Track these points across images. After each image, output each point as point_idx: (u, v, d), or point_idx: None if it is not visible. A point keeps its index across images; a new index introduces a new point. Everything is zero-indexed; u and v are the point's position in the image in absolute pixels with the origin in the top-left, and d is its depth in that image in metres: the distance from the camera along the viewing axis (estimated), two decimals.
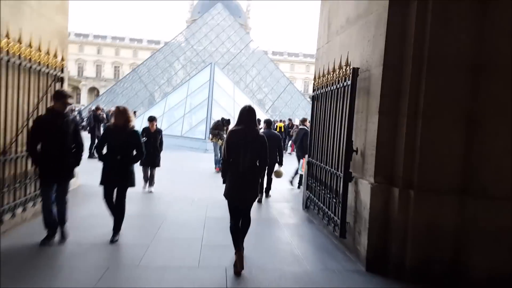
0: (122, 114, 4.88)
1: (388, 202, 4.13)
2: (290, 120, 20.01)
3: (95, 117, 13.47)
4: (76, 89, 76.19)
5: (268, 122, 8.18)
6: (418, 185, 3.94)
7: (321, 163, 5.60)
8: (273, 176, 7.79)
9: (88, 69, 77.22)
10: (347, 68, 4.61)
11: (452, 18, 3.80)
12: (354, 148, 4.56)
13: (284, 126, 18.86)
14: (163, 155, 8.46)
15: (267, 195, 8.06)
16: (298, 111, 42.34)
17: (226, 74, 24.63)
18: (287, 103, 44.54)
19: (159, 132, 8.32)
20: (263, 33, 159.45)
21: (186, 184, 9.29)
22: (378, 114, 4.10)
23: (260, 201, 7.57)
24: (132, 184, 4.95)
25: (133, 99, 42.26)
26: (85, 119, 21.34)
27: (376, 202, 4.17)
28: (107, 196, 4.90)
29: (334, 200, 4.95)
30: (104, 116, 13.64)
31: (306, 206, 6.67)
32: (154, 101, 32.54)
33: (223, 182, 4.15)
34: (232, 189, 3.97)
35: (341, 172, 4.70)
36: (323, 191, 5.47)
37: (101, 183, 4.88)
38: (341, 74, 4.77)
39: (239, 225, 4.12)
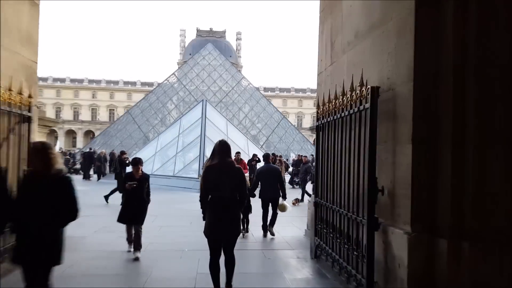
0: (40, 153, 3.13)
1: (432, 257, 3.14)
2: (300, 156, 18.87)
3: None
4: (72, 132, 76.20)
5: (266, 156, 7.96)
6: (473, 234, 2.97)
7: (333, 204, 4.63)
8: (278, 211, 7.55)
9: (84, 113, 77.51)
10: (363, 89, 3.74)
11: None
12: (380, 187, 3.61)
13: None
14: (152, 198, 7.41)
15: (271, 231, 7.49)
16: (293, 146, 41.86)
17: (219, 111, 23.98)
18: (281, 138, 44.11)
19: (146, 178, 6.38)
20: (254, 71, 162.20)
21: (176, 231, 8.18)
22: (412, 143, 3.18)
23: (243, 236, 7.25)
24: (58, 262, 3.16)
25: (127, 140, 41.62)
26: (77, 162, 20.41)
27: (416, 257, 3.17)
28: (28, 282, 3.10)
29: (355, 252, 3.93)
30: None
31: (315, 256, 5.60)
32: (148, 142, 31.77)
33: (203, 219, 4.01)
34: (213, 225, 3.86)
35: (362, 217, 3.73)
36: (338, 240, 4.46)
37: (14, 261, 3.14)
38: (355, 96, 3.91)
39: (218, 263, 3.98)
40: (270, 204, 7.45)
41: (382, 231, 3.64)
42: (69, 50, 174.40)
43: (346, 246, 4.17)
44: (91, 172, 19.01)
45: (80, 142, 72.21)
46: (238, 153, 11.31)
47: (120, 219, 6.24)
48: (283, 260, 6.06)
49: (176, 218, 9.63)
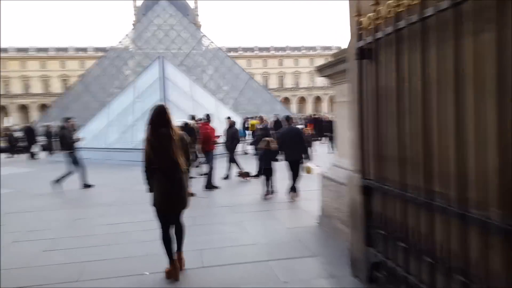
0: None
1: None
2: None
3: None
4: (25, 108, 70.34)
5: (288, 118, 7.85)
6: None
7: (422, 193, 2.48)
8: (303, 173, 7.11)
9: (35, 85, 71.52)
10: None
11: None
12: None
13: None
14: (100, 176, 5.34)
15: (294, 194, 7.00)
16: (263, 107, 39.91)
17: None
18: (250, 99, 41.90)
19: None
20: (214, 31, 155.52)
21: (135, 236, 5.19)
22: None
23: (265, 198, 7.11)
24: None
25: (83, 112, 38.11)
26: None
27: None
28: None
29: None
30: None
31: (371, 279, 3.18)
32: None
33: (149, 191, 3.70)
34: (161, 196, 3.62)
35: None
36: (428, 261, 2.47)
37: None
38: None
39: (170, 233, 3.76)
40: (293, 166, 7.03)
41: None
42: (13, 17, 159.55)
43: (461, 276, 2.18)
44: (37, 149, 16.21)
45: (35, 117, 66.95)
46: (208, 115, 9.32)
47: None
48: (304, 280, 3.59)
49: (135, 212, 7.12)
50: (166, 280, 3.64)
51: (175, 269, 3.67)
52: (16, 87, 71.40)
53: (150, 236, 4.72)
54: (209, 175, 8.32)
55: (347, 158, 4.76)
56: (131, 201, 7.38)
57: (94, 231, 5.44)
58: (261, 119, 8.75)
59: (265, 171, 7.33)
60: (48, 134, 16.53)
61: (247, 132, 16.61)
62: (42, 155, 16.71)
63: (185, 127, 7.73)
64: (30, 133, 16.48)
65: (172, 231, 3.78)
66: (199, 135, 8.20)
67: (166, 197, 3.59)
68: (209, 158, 8.41)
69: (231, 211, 6.38)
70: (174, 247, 3.79)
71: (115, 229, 5.51)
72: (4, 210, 6.88)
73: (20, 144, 18.86)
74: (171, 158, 3.52)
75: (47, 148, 16.43)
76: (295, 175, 7.00)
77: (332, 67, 4.70)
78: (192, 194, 7.49)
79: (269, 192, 7.25)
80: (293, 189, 7.04)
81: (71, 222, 5.99)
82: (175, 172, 3.56)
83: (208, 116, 9.35)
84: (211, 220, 5.91)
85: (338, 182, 4.72)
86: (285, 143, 6.98)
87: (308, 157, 7.11)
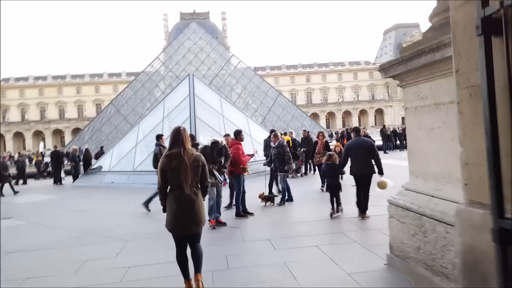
0: None
1: None
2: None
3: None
4: (60, 132, 72.69)
5: (357, 130, 7.23)
6: None
7: None
8: (378, 189, 6.36)
9: (70, 111, 74.04)
10: None
11: None
12: None
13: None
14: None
15: (364, 215, 6.39)
16: (292, 123, 38.90)
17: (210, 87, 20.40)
18: (279, 116, 41.08)
19: None
20: (242, 51, 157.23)
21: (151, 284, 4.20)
22: None
23: (332, 217, 6.47)
24: None
25: (114, 134, 38.44)
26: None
27: None
28: None
29: None
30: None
31: None
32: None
33: (163, 211, 3.68)
34: (175, 217, 3.56)
35: None
36: None
37: None
38: None
39: (186, 255, 3.69)
40: (362, 182, 6.51)
41: None
42: (50, 46, 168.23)
43: None
44: (62, 174, 15.67)
45: (68, 141, 69.03)
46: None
47: None
48: None
49: (160, 243, 6.03)
50: None
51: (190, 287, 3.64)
52: (52, 113, 73.97)
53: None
54: (238, 200, 7.21)
55: (431, 179, 3.52)
56: (153, 233, 6.33)
57: (103, 278, 4.39)
58: (275, 136, 7.54)
59: (331, 187, 6.75)
60: (72, 158, 15.96)
61: None
62: (68, 180, 16.20)
63: (214, 145, 6.67)
64: (56, 158, 16.03)
65: (189, 252, 3.72)
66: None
67: (177, 218, 3.55)
68: (239, 181, 7.27)
69: (272, 246, 5.16)
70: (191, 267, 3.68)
71: (129, 275, 4.44)
72: (7, 248, 5.99)
73: (48, 169, 18.57)
74: (181, 178, 3.50)
75: (72, 173, 15.86)
76: (365, 192, 6.48)
77: (405, 64, 3.49)
78: (222, 223, 6.45)
79: (336, 210, 6.64)
80: (361, 208, 6.45)
81: (80, 264, 4.98)
82: (185, 193, 3.52)
83: (237, 133, 7.84)
84: (246, 260, 4.72)
85: (418, 212, 3.48)
86: (354, 156, 6.54)
87: (381, 171, 6.48)
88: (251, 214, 7.21)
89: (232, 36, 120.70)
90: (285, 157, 8.02)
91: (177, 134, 3.63)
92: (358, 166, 6.49)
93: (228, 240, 5.62)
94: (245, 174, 7.35)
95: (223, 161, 6.73)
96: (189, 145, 3.66)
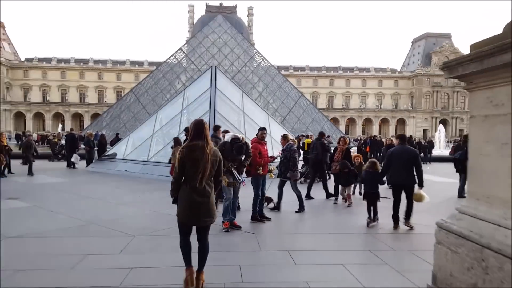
0: None
1: None
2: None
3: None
4: (79, 115, 73.63)
5: (402, 137, 6.80)
6: None
7: None
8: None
9: (90, 95, 74.92)
10: None
11: None
12: None
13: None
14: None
15: (408, 225, 6.22)
16: (312, 126, 38.22)
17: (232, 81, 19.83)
18: (299, 118, 40.43)
19: None
20: (267, 49, 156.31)
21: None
22: None
23: (368, 226, 6.28)
24: None
25: (131, 122, 38.48)
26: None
27: None
28: None
29: None
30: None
31: None
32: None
33: (173, 202, 3.69)
34: (190, 208, 3.57)
35: None
36: None
37: None
38: None
39: (189, 241, 3.71)
40: (403, 191, 6.34)
41: None
42: (74, 30, 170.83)
43: None
44: (73, 158, 15.36)
45: (87, 126, 69.92)
46: (262, 129, 7.29)
47: None
48: None
49: (168, 241, 5.56)
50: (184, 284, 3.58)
51: (191, 275, 3.61)
52: (73, 96, 74.92)
53: None
54: (256, 203, 6.66)
55: (498, 204, 2.90)
56: (162, 229, 5.85)
57: (101, 279, 3.91)
58: (284, 138, 6.81)
59: (369, 195, 6.51)
60: (87, 142, 15.66)
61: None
62: (82, 164, 15.95)
63: (234, 142, 6.13)
64: (71, 141, 15.77)
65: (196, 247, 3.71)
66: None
67: (189, 207, 3.57)
68: (256, 183, 6.73)
69: (291, 259, 4.58)
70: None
71: (131, 278, 3.95)
72: (6, 232, 5.60)
73: (63, 151, 18.39)
74: (199, 170, 3.52)
75: (86, 157, 15.57)
76: (408, 203, 6.27)
77: (481, 61, 2.86)
78: (236, 226, 5.92)
79: (373, 219, 6.43)
80: (396, 219, 6.26)
81: (79, 259, 4.52)
82: (201, 183, 3.55)
83: (261, 130, 7.11)
84: (263, 274, 4.16)
85: (479, 243, 2.87)
86: (396, 164, 6.29)
87: (422, 184, 6.23)
88: (268, 219, 6.67)
89: (257, 33, 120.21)
90: (290, 163, 7.27)
91: (201, 127, 3.64)
92: (399, 175, 6.24)
93: (242, 247, 5.09)
94: (267, 176, 6.80)
95: (242, 159, 6.20)
96: (209, 138, 3.66)
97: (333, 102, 79.99)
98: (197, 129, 3.63)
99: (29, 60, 75.84)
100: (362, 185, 8.06)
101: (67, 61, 76.48)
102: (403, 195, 6.36)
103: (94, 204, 8.20)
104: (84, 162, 15.79)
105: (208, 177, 3.58)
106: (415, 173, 6.22)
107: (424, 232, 6.01)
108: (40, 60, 75.73)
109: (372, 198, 6.46)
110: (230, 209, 6.07)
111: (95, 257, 4.62)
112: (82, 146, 16.75)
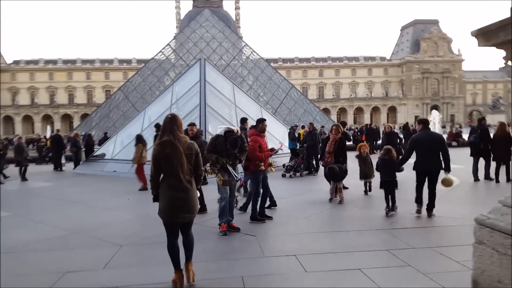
0: None
1: None
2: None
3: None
4: (69, 117, 72.26)
5: (425, 122, 6.52)
6: None
7: None
8: (441, 187, 6.01)
9: (79, 96, 73.64)
10: None
11: None
12: None
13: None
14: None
15: (430, 214, 5.98)
16: (304, 117, 37.73)
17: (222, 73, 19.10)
18: (291, 109, 39.93)
19: None
20: (255, 42, 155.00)
21: None
22: None
23: (387, 215, 6.02)
24: None
25: (121, 121, 37.59)
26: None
27: None
28: None
29: None
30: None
31: None
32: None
33: (154, 200, 3.66)
34: (170, 205, 3.52)
35: None
36: None
37: None
38: None
39: (177, 244, 3.63)
40: (427, 178, 6.07)
41: None
42: (61, 30, 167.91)
43: None
44: (63, 160, 14.68)
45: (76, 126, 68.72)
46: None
47: None
48: None
49: (157, 252, 4.94)
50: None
51: (179, 278, 3.57)
52: (61, 97, 73.57)
53: None
54: (256, 201, 6.06)
55: None
56: (152, 236, 5.25)
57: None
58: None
59: (386, 184, 6.26)
60: (74, 143, 14.92)
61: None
62: (69, 166, 15.23)
63: (227, 135, 5.52)
64: (57, 143, 15.02)
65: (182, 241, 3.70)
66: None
67: (169, 205, 3.54)
68: (255, 179, 6.11)
69: (301, 266, 4.01)
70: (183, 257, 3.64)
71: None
72: None
73: (49, 154, 17.64)
74: (174, 166, 3.49)
75: (73, 159, 14.85)
76: (431, 189, 6.02)
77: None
78: (235, 228, 5.36)
79: (391, 208, 6.21)
80: (420, 203, 6.04)
81: (57, 278, 3.90)
82: (180, 180, 3.51)
83: (257, 122, 6.35)
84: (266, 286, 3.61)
85: None
86: (421, 150, 6.03)
87: (448, 168, 5.97)
88: (270, 218, 6.10)
89: (245, 26, 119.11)
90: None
91: (168, 122, 3.57)
92: (426, 161, 5.97)
93: (243, 253, 4.51)
94: (268, 171, 6.22)
95: (238, 153, 5.62)
96: (181, 133, 3.58)
97: (324, 92, 79.58)
98: (164, 125, 3.58)
99: (16, 62, 74.27)
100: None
101: (54, 62, 75.07)
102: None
103: (79, 209, 7.57)
104: (71, 164, 15.08)
105: (185, 172, 3.52)
106: (441, 159, 5.95)
107: (445, 225, 5.51)
108: (28, 62, 74.32)
109: (389, 187, 6.21)
110: (227, 210, 5.49)
111: (75, 274, 4.02)
112: (69, 147, 16.04)
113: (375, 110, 78.97)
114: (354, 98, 78.31)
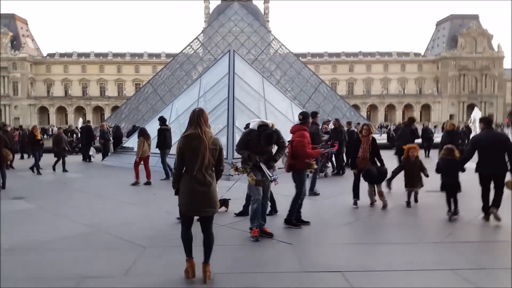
0: None
1: None
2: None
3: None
4: (100, 109, 74.03)
5: (488, 121, 5.94)
6: None
7: None
8: (507, 190, 5.56)
9: (110, 89, 75.27)
10: None
11: None
12: None
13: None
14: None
15: (495, 214, 5.46)
16: (334, 113, 36.67)
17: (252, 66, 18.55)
18: (319, 105, 38.90)
19: None
20: (283, 36, 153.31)
21: None
22: None
23: (450, 219, 5.64)
24: None
25: (149, 113, 37.87)
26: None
27: None
28: None
29: None
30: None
31: None
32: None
33: (175, 194, 3.65)
34: (192, 198, 3.52)
35: None
36: None
37: None
38: None
39: (191, 232, 3.65)
40: (492, 181, 5.66)
41: None
42: (93, 25, 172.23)
43: None
44: (91, 152, 14.65)
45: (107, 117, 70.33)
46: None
47: None
48: None
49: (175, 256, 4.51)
50: (185, 279, 3.55)
51: (191, 267, 3.59)
52: (93, 90, 75.36)
53: None
54: (296, 203, 5.48)
55: None
56: (176, 237, 4.80)
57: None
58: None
59: (448, 186, 5.88)
60: (102, 135, 14.85)
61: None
62: (98, 157, 15.18)
63: (261, 130, 4.98)
64: (87, 134, 14.99)
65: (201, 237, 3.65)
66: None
67: (189, 197, 3.54)
68: (300, 179, 5.51)
69: (348, 284, 3.45)
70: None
71: None
72: (7, 244, 4.68)
73: (79, 144, 17.71)
74: (199, 159, 3.49)
75: (101, 150, 14.80)
76: (498, 191, 5.59)
77: None
78: (267, 234, 4.84)
79: (454, 212, 5.80)
80: (486, 210, 5.63)
81: (73, 284, 3.51)
82: (201, 174, 3.51)
83: (307, 114, 5.71)
84: None
85: None
86: (484, 151, 5.64)
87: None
88: (306, 223, 5.51)
89: (273, 20, 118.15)
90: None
91: (195, 115, 3.59)
92: (490, 163, 5.57)
93: (279, 265, 3.97)
94: (307, 171, 5.64)
95: (273, 151, 5.08)
96: (207, 127, 3.60)
97: (353, 88, 77.67)
98: (192, 119, 3.60)
99: (51, 55, 76.71)
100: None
101: (87, 55, 76.93)
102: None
103: (104, 204, 7.29)
104: (100, 156, 15.05)
105: (209, 166, 3.53)
106: (506, 160, 5.51)
107: None
108: (62, 55, 76.56)
109: (452, 189, 5.82)
110: (259, 213, 4.97)
111: (94, 281, 3.61)
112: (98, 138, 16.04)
113: (408, 107, 76.40)
114: (385, 94, 76.03)
